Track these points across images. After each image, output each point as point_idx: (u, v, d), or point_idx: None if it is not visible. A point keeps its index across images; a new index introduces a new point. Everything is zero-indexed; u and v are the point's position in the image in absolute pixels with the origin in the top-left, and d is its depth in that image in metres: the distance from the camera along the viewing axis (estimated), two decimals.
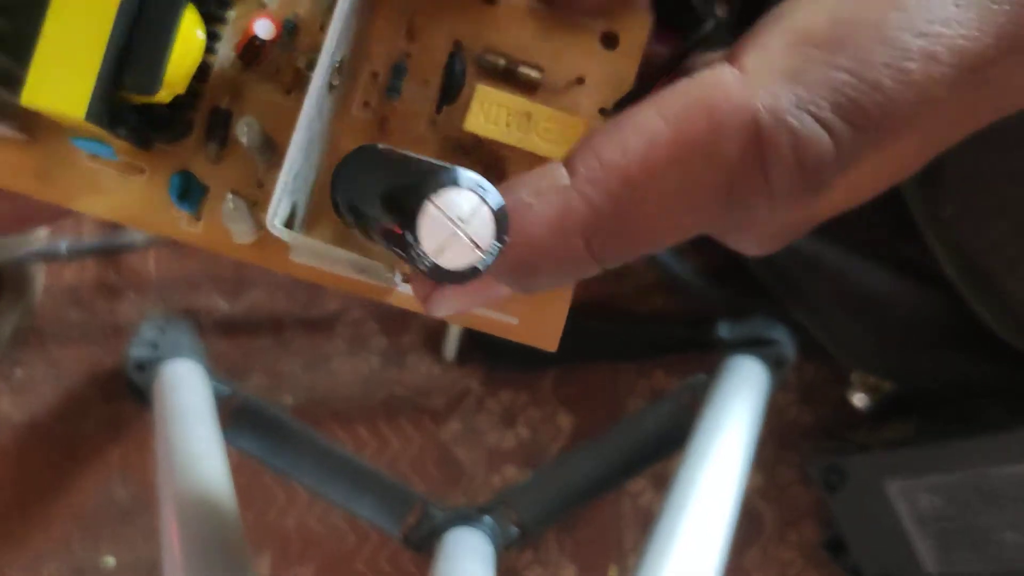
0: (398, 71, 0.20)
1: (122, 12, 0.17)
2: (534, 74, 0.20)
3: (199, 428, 0.46)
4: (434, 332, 0.61)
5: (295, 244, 0.18)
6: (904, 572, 0.55)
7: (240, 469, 0.46)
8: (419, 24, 0.20)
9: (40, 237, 0.59)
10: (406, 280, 0.20)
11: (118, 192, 0.20)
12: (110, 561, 0.58)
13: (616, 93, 0.20)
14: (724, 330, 0.57)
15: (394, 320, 0.62)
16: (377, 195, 0.16)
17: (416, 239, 0.15)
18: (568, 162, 0.16)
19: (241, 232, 0.20)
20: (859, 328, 0.54)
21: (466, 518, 0.47)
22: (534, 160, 0.20)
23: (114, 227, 0.61)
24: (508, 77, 0.20)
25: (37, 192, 0.20)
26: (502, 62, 0.20)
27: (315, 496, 0.59)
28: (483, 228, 0.15)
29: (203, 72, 0.19)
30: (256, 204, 0.20)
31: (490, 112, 0.19)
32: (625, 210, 0.16)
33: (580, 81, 0.20)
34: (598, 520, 0.61)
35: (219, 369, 0.55)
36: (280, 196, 0.17)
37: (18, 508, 0.58)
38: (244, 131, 0.19)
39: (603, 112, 0.20)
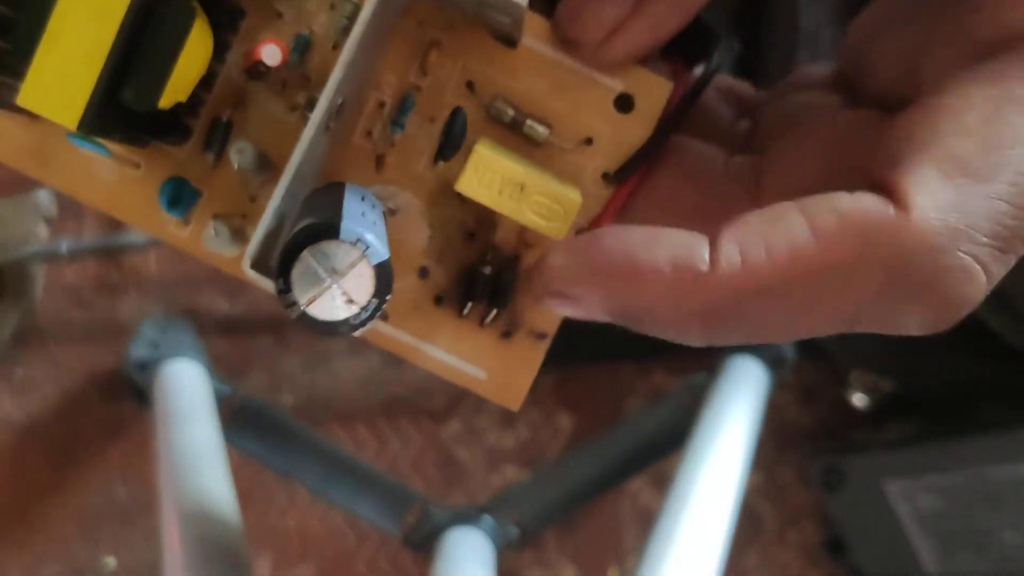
0: (405, 105, 0.19)
1: (127, 23, 0.16)
2: (541, 130, 0.19)
3: (199, 428, 0.46)
4: None
5: (264, 284, 0.18)
6: (904, 572, 0.55)
7: (240, 469, 0.46)
8: (433, 59, 0.19)
9: (41, 237, 0.59)
10: (382, 319, 0.20)
11: (112, 184, 0.20)
12: (110, 561, 0.58)
13: (624, 157, 0.20)
14: None
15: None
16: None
17: (288, 286, 0.15)
18: (713, 244, 0.16)
19: (223, 250, 0.20)
20: None
21: (466, 518, 0.47)
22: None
23: (115, 227, 0.61)
24: (514, 128, 0.20)
25: (34, 172, 0.20)
26: (511, 113, 0.19)
27: (315, 496, 0.59)
28: (361, 283, 0.15)
29: (208, 80, 0.19)
30: (246, 218, 0.20)
31: (484, 176, 0.19)
32: (748, 309, 0.16)
33: (589, 142, 0.20)
34: (598, 520, 0.61)
35: (219, 369, 0.55)
36: (259, 240, 0.17)
37: (18, 508, 0.58)
38: (236, 157, 0.19)
39: (606, 177, 0.20)
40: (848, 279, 0.15)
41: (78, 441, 0.59)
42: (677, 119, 0.19)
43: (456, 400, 0.62)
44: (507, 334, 0.21)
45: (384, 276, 0.15)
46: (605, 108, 0.20)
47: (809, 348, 0.58)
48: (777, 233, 0.15)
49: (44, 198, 0.59)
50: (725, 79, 0.21)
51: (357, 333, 0.16)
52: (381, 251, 0.15)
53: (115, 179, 0.20)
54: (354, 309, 0.15)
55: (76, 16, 0.16)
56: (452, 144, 0.19)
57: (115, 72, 0.16)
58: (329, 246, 0.15)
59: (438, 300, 0.20)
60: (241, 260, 0.19)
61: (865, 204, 0.15)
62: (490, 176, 0.19)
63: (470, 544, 0.46)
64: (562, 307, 0.17)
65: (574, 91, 0.20)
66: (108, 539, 0.59)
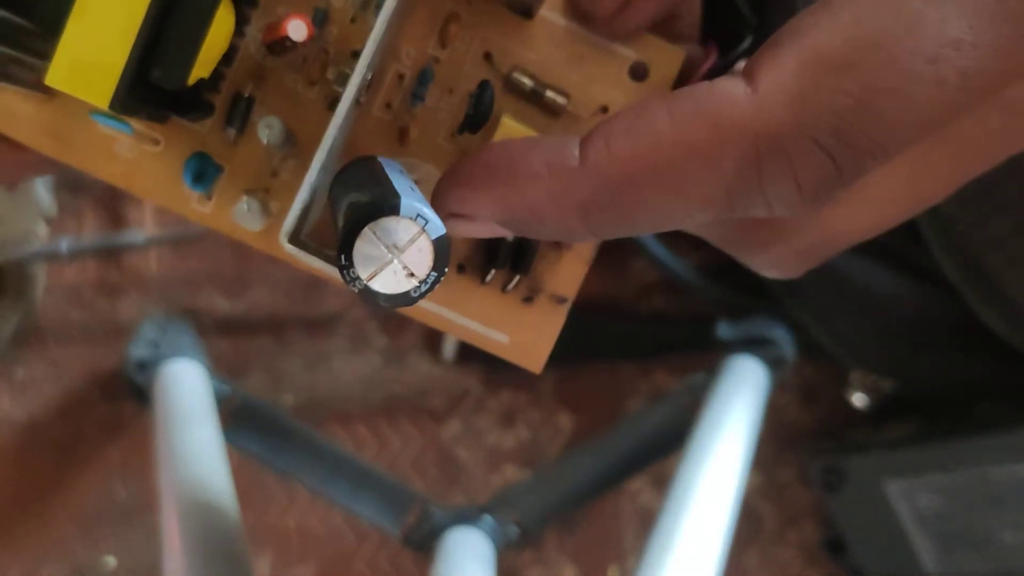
0: (425, 77, 0.20)
1: (156, 2, 0.16)
2: (560, 100, 0.20)
3: (199, 428, 0.46)
4: (434, 332, 0.62)
5: (301, 258, 0.18)
6: (904, 572, 0.55)
7: (240, 469, 0.46)
8: (452, 32, 0.20)
9: (41, 237, 0.59)
10: None
11: (132, 161, 0.20)
12: (110, 561, 0.58)
13: None
14: (724, 330, 0.57)
15: (394, 320, 0.62)
16: (339, 212, 0.17)
17: (350, 262, 0.15)
18: (583, 142, 0.17)
19: (251, 225, 0.20)
20: (859, 327, 0.54)
21: (466, 518, 0.47)
22: None
23: (115, 227, 0.61)
24: (533, 99, 0.20)
25: (51, 151, 0.20)
26: (530, 83, 0.20)
27: (315, 496, 0.59)
28: (420, 257, 0.15)
29: (229, 56, 0.19)
30: (269, 192, 0.20)
31: None
32: (622, 199, 0.16)
33: (604, 110, 0.20)
34: (598, 520, 0.61)
35: (219, 369, 0.55)
36: (295, 215, 0.17)
37: (18, 508, 0.58)
38: (265, 132, 0.19)
39: None
40: (707, 162, 0.16)
41: (78, 441, 0.59)
42: None
43: (456, 400, 0.62)
44: (528, 299, 0.21)
45: (442, 249, 0.16)
46: (620, 77, 0.20)
47: (809, 348, 0.58)
48: (641, 123, 0.16)
49: (44, 198, 0.59)
50: None
51: (415, 304, 0.16)
52: (439, 225, 0.15)
53: (135, 156, 0.20)
54: (414, 282, 0.16)
55: None
56: (481, 116, 0.20)
57: (144, 51, 0.16)
58: (390, 222, 0.15)
59: (460, 268, 0.21)
60: (267, 235, 0.20)
61: (720, 89, 0.16)
62: None
63: (470, 544, 0.46)
64: (462, 227, 0.18)
65: (589, 61, 0.20)
66: (108, 539, 0.59)
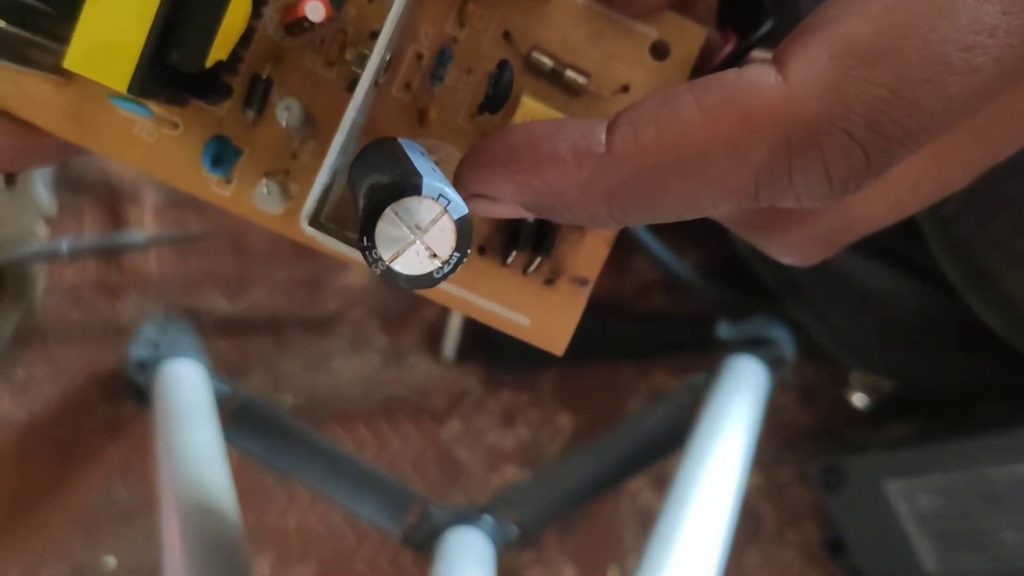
0: (443, 57, 0.20)
1: None
2: (580, 79, 0.20)
3: (199, 428, 0.46)
4: (434, 332, 0.62)
5: (322, 241, 0.18)
6: (904, 572, 0.55)
7: (241, 469, 0.46)
8: (471, 11, 0.19)
9: (41, 237, 0.59)
10: None
11: (150, 144, 0.20)
12: (110, 561, 0.58)
13: None
14: (724, 330, 0.57)
15: (394, 320, 0.62)
16: (360, 193, 0.16)
17: (372, 243, 0.15)
18: (609, 127, 0.16)
19: (271, 208, 0.19)
20: (859, 327, 0.54)
21: (466, 517, 0.47)
22: None
23: (115, 227, 0.61)
24: (553, 79, 0.20)
25: (69, 134, 0.19)
26: (549, 63, 0.20)
27: (315, 496, 0.59)
28: (443, 238, 0.15)
29: (246, 37, 0.19)
30: (288, 175, 0.19)
31: None
32: (649, 187, 0.16)
33: (625, 90, 0.20)
34: (598, 520, 0.61)
35: (219, 369, 0.55)
36: (315, 197, 0.17)
37: (18, 508, 0.58)
38: (284, 114, 0.19)
39: None
40: (736, 152, 0.16)
41: (78, 441, 0.59)
42: (721, 69, 0.20)
43: (456, 400, 0.62)
44: (550, 281, 0.21)
45: (465, 230, 0.15)
46: (641, 55, 0.20)
47: (809, 348, 0.58)
48: (668, 112, 0.16)
49: (44, 198, 0.59)
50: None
51: (437, 286, 0.16)
52: (461, 205, 0.15)
53: (154, 140, 0.20)
54: (436, 263, 0.16)
55: None
56: (501, 96, 0.19)
57: (162, 33, 0.16)
58: (412, 202, 0.15)
59: (481, 250, 0.21)
60: (286, 218, 0.20)
61: (749, 78, 0.16)
62: None
63: (470, 544, 0.46)
64: (485, 207, 0.18)
65: (609, 39, 0.20)
66: (108, 539, 0.59)
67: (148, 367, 0.53)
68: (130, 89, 0.16)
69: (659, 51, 0.20)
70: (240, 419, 0.52)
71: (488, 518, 0.48)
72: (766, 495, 0.62)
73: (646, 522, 0.52)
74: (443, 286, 0.20)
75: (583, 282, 0.21)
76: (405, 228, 0.15)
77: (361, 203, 0.16)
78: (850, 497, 0.56)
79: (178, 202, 0.61)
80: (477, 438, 0.61)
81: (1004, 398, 0.51)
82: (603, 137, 0.16)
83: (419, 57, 0.20)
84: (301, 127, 0.19)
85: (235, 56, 0.19)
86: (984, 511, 0.51)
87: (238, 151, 0.19)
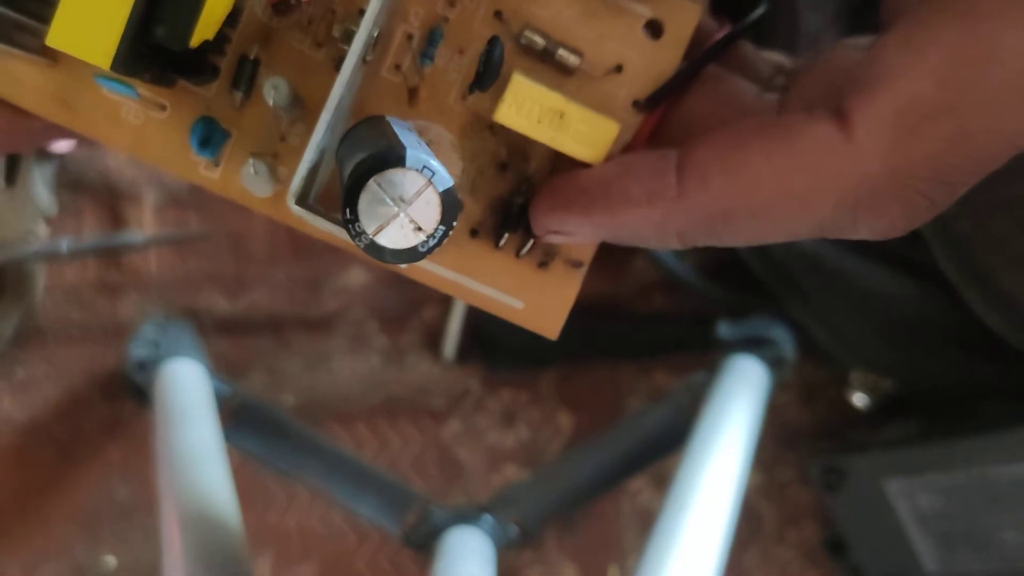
0: (434, 37, 0.19)
1: None
2: (573, 59, 0.19)
3: (199, 428, 0.46)
4: (434, 332, 0.61)
5: (309, 220, 0.18)
6: (904, 572, 0.55)
7: (241, 469, 0.46)
8: None
9: (41, 237, 0.59)
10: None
11: (137, 126, 0.19)
12: (110, 561, 0.58)
13: (654, 84, 0.20)
14: (724, 330, 0.56)
15: (394, 320, 0.62)
16: (346, 169, 0.16)
17: (356, 216, 0.15)
18: (680, 171, 0.17)
19: (259, 189, 0.19)
20: (859, 327, 0.54)
21: (466, 517, 0.47)
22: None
23: (115, 227, 0.61)
24: (545, 58, 0.19)
25: (56, 116, 0.19)
26: (541, 42, 0.19)
27: (315, 496, 0.59)
28: (428, 210, 0.15)
29: (233, 17, 0.18)
30: (277, 157, 0.19)
31: (523, 105, 0.19)
32: (719, 227, 0.17)
33: (619, 69, 0.20)
34: (598, 520, 0.61)
35: (219, 369, 0.55)
36: (302, 175, 0.17)
37: (18, 508, 0.58)
38: (272, 93, 0.18)
39: (636, 104, 0.20)
40: (804, 205, 0.17)
41: (78, 441, 0.59)
42: (715, 51, 0.20)
43: (456, 400, 0.62)
44: (543, 264, 0.21)
45: (450, 202, 0.15)
46: (634, 34, 0.20)
47: (809, 348, 0.58)
48: (737, 161, 0.17)
49: (44, 198, 0.59)
50: (766, 52, 0.22)
51: (422, 260, 0.16)
52: (446, 177, 0.15)
53: (140, 122, 0.19)
54: (421, 236, 0.15)
55: None
56: (490, 74, 0.19)
57: (146, 9, 0.16)
58: (396, 174, 0.15)
59: (473, 233, 0.20)
60: (275, 201, 0.19)
61: (815, 134, 0.16)
62: (529, 105, 0.19)
63: (470, 543, 0.46)
64: (563, 240, 0.19)
65: (603, 18, 0.20)
66: (108, 538, 0.59)
67: (148, 367, 0.53)
68: (113, 66, 0.16)
69: (653, 30, 0.20)
70: (240, 419, 0.52)
71: (488, 518, 0.48)
72: (766, 495, 0.62)
73: (646, 522, 0.52)
74: (436, 270, 0.20)
75: (577, 264, 0.21)
76: (389, 200, 0.15)
77: (346, 178, 0.16)
78: (850, 497, 0.56)
79: (178, 202, 0.61)
80: (477, 438, 0.61)
81: (1004, 398, 0.51)
82: (673, 180, 0.17)
83: (409, 37, 0.19)
84: (289, 107, 0.19)
85: (222, 36, 0.18)
86: (984, 511, 0.51)
87: (226, 133, 0.19)
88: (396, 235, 0.15)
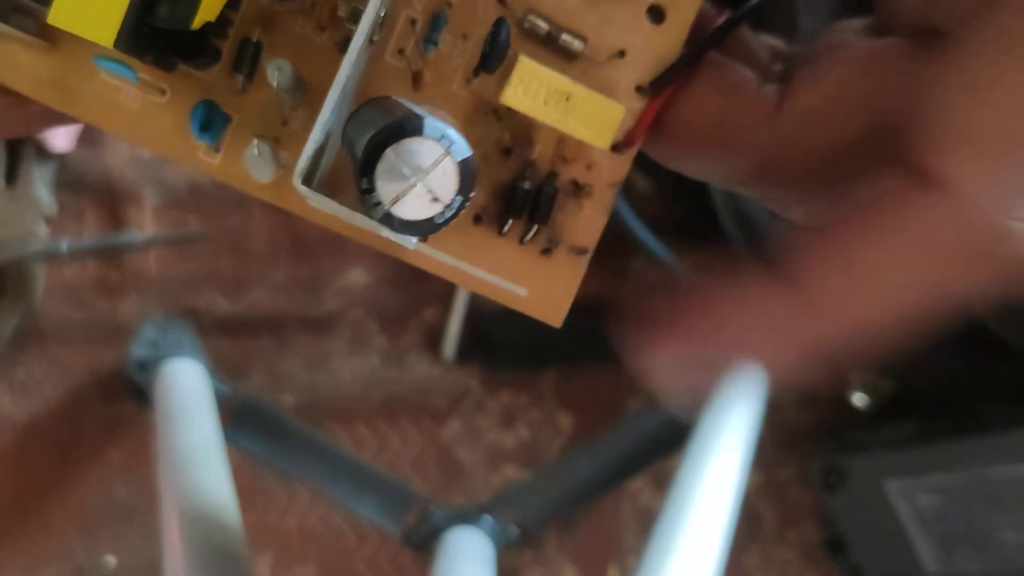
0: (437, 22, 0.19)
1: None
2: (576, 44, 0.19)
3: (200, 427, 0.46)
4: (434, 332, 0.62)
5: (315, 200, 0.18)
6: (904, 572, 0.55)
7: (241, 469, 0.45)
8: None
9: (41, 237, 0.59)
10: (423, 239, 0.20)
11: (137, 111, 0.19)
12: (110, 561, 0.58)
13: (656, 70, 0.20)
14: None
15: (394, 320, 0.62)
16: (359, 143, 0.16)
17: (372, 186, 0.15)
18: (789, 289, 0.17)
19: (260, 173, 0.19)
20: None
21: (466, 517, 0.47)
22: (562, 133, 0.19)
23: (115, 227, 0.61)
24: (548, 43, 0.19)
25: (53, 101, 0.19)
26: (545, 27, 0.19)
27: (315, 496, 0.59)
28: (445, 180, 0.15)
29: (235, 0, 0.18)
30: (279, 142, 0.19)
31: (529, 87, 0.19)
32: (856, 338, 0.17)
33: (621, 55, 0.20)
34: (598, 520, 0.61)
35: (219, 369, 0.55)
36: (308, 155, 0.17)
37: (18, 508, 0.58)
38: (275, 74, 0.18)
39: (640, 90, 0.20)
40: (930, 275, 0.16)
41: (78, 441, 0.59)
42: (717, 37, 0.20)
43: (456, 400, 0.62)
44: (547, 250, 0.20)
45: (468, 172, 0.15)
46: (637, 19, 0.20)
47: None
48: (849, 259, 0.16)
49: (44, 198, 0.59)
50: (764, 37, 0.22)
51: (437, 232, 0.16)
52: (464, 147, 0.15)
53: (140, 107, 0.19)
54: (438, 207, 0.15)
55: None
56: (497, 55, 0.19)
57: None
58: (413, 143, 0.15)
59: (477, 219, 0.20)
60: (276, 186, 0.19)
61: (920, 205, 0.16)
62: (536, 87, 0.19)
63: (470, 544, 0.46)
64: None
65: (606, 3, 0.19)
66: (108, 539, 0.59)
67: (148, 367, 0.53)
68: (116, 44, 0.16)
69: (655, 15, 0.20)
70: (240, 419, 0.52)
71: (488, 518, 0.48)
72: (766, 495, 0.62)
73: (646, 522, 0.52)
74: (438, 256, 0.20)
75: (582, 251, 0.21)
76: (406, 170, 0.15)
77: (359, 151, 0.16)
78: (850, 497, 0.56)
79: (178, 202, 0.61)
80: (477, 438, 0.61)
81: (1004, 398, 0.51)
82: (792, 308, 0.17)
83: (412, 22, 0.19)
84: (292, 90, 0.19)
85: (223, 19, 0.18)
86: (984, 511, 0.51)
87: (227, 118, 0.19)
88: (413, 205, 0.15)
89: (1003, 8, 0.15)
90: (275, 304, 0.61)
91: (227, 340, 0.60)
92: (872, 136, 0.18)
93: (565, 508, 0.57)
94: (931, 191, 0.16)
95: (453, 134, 0.15)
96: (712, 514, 0.43)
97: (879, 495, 0.54)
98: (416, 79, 0.19)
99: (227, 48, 0.19)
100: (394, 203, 0.15)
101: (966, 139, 0.15)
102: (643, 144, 0.20)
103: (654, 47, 0.20)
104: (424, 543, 0.47)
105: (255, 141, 0.19)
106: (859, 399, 0.59)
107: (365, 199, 0.15)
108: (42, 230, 0.59)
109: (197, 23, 0.17)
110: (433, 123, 0.15)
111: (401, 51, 0.19)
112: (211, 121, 0.19)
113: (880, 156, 0.17)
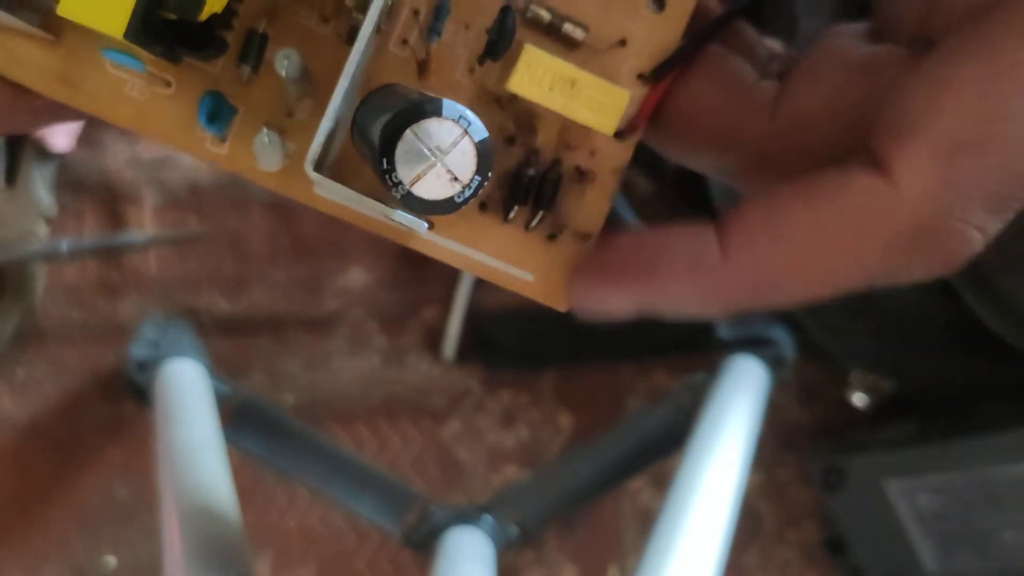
0: (440, 11, 0.19)
1: None
2: (578, 33, 0.20)
3: (200, 427, 0.46)
4: (434, 332, 0.62)
5: (325, 187, 0.18)
6: (904, 572, 0.55)
7: (241, 469, 0.46)
8: None
9: (41, 237, 0.59)
10: (430, 227, 0.20)
11: (143, 103, 0.19)
12: (110, 561, 0.58)
13: (656, 58, 0.20)
14: (724, 330, 0.57)
15: (394, 320, 0.62)
16: (374, 127, 0.16)
17: (392, 166, 0.15)
18: (722, 239, 0.17)
19: (268, 161, 0.19)
20: (859, 327, 0.54)
21: (466, 517, 0.47)
22: (566, 120, 0.19)
23: (115, 227, 0.61)
24: (551, 32, 0.20)
25: (59, 94, 0.19)
26: (547, 16, 0.19)
27: (315, 496, 0.59)
28: (464, 161, 0.15)
29: None
30: (284, 133, 0.19)
31: (535, 74, 0.19)
32: (766, 292, 0.17)
33: (622, 43, 0.20)
34: (598, 520, 0.61)
35: (219, 369, 0.55)
36: (320, 141, 0.17)
37: (18, 508, 0.58)
38: (284, 64, 0.18)
39: (641, 77, 0.20)
40: (854, 260, 0.16)
41: (78, 441, 0.59)
42: (719, 25, 0.20)
43: (456, 400, 0.62)
44: (552, 236, 0.21)
45: (485, 153, 0.15)
46: (638, 7, 0.20)
47: (809, 348, 0.58)
48: (780, 224, 0.17)
49: (44, 197, 0.59)
50: (763, 39, 0.22)
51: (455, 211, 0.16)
52: (481, 128, 0.15)
53: (146, 99, 0.19)
54: (457, 187, 0.16)
55: None
56: (504, 41, 0.19)
57: None
58: (432, 123, 0.15)
59: (483, 206, 0.20)
60: (284, 176, 0.19)
61: (857, 185, 0.16)
62: (541, 73, 0.19)
63: (470, 544, 0.46)
64: (596, 314, 0.19)
65: None
66: (108, 539, 0.59)
67: (148, 367, 0.53)
68: (127, 35, 0.16)
69: (657, 3, 0.20)
70: (240, 419, 0.52)
71: (488, 518, 0.48)
72: (766, 495, 0.62)
73: (646, 522, 0.52)
74: (445, 243, 0.20)
75: (586, 237, 0.21)
76: (426, 150, 0.15)
77: (376, 137, 0.16)
78: (850, 497, 0.56)
79: (178, 202, 0.61)
80: (477, 438, 0.61)
81: (1004, 398, 0.51)
82: (716, 248, 0.17)
83: (416, 13, 0.19)
84: (298, 81, 0.19)
85: (229, 11, 0.18)
86: (984, 511, 0.51)
87: (233, 109, 0.19)
88: (433, 185, 0.15)
89: (989, 22, 0.16)
90: (275, 304, 0.61)
91: (227, 340, 0.60)
92: (860, 137, 0.18)
93: (565, 508, 0.57)
94: (874, 176, 0.16)
95: (470, 115, 0.15)
96: (712, 514, 0.43)
97: (879, 495, 0.54)
98: (421, 68, 0.19)
99: (233, 39, 0.19)
100: (414, 183, 0.15)
101: (918, 134, 0.16)
102: (643, 133, 0.20)
103: (655, 35, 0.20)
104: (424, 543, 0.47)
105: (264, 129, 0.19)
106: (859, 399, 0.59)
107: (386, 179, 0.15)
108: (42, 230, 0.59)
109: (204, 15, 0.17)
110: (451, 104, 0.15)
111: (405, 41, 0.19)
112: (218, 112, 0.19)
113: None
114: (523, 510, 0.50)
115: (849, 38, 0.20)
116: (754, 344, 0.55)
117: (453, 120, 0.15)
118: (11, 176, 0.58)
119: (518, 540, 0.50)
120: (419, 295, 0.62)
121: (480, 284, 0.61)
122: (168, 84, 0.19)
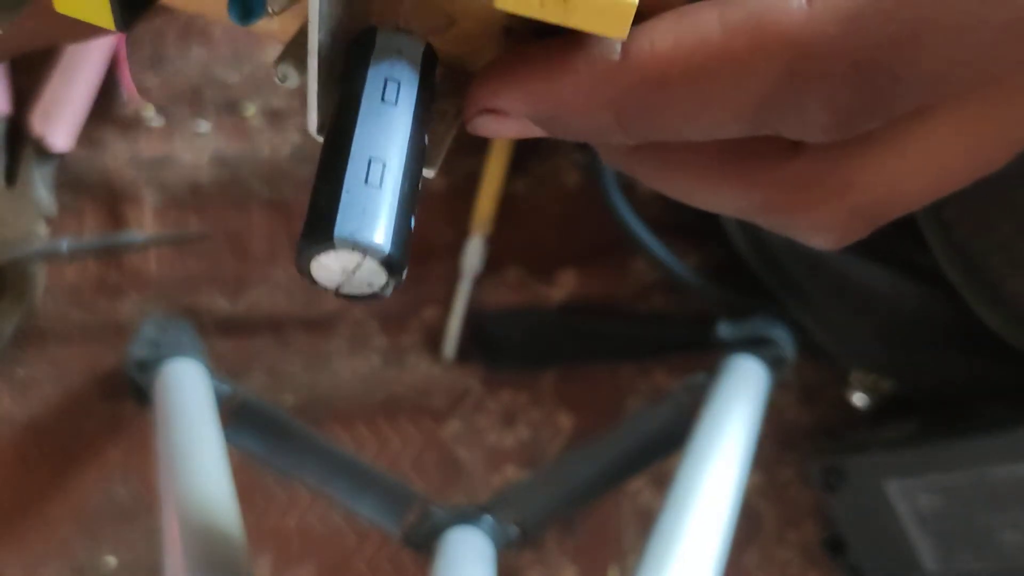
0: None
1: None
2: None
3: (200, 427, 0.46)
4: (434, 332, 0.62)
5: None
6: (904, 572, 0.55)
7: (241, 469, 0.46)
8: None
9: (41, 236, 0.59)
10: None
11: None
12: (110, 561, 0.58)
13: None
14: (724, 330, 0.57)
15: (394, 320, 0.62)
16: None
17: (313, 281, 0.16)
18: (628, 38, 0.16)
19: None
20: (859, 327, 0.54)
21: (466, 517, 0.47)
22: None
23: (115, 226, 0.61)
24: None
25: None
26: None
27: (315, 496, 0.59)
28: (372, 275, 0.16)
29: None
30: None
31: None
32: (654, 98, 0.16)
33: None
34: (598, 520, 0.61)
35: (219, 368, 0.55)
36: (314, 104, 0.17)
37: (18, 508, 0.58)
38: None
39: None
40: (746, 69, 0.16)
41: (78, 441, 0.59)
42: None
43: (456, 400, 0.62)
44: None
45: (394, 263, 0.15)
46: None
47: (809, 348, 0.58)
48: (688, 24, 0.16)
49: (44, 197, 0.59)
50: None
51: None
52: (381, 247, 0.15)
53: None
54: (375, 288, 0.16)
55: None
56: None
57: None
58: (328, 257, 0.15)
59: None
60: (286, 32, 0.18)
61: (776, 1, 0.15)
62: None
63: (470, 544, 0.46)
64: (493, 125, 0.18)
65: None
66: (108, 539, 0.59)
67: (148, 367, 0.53)
68: (118, 27, 0.16)
69: None
70: (240, 419, 0.52)
71: (488, 518, 0.48)
72: (766, 495, 0.62)
73: (646, 522, 0.52)
74: None
75: None
76: (336, 270, 0.15)
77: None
78: (850, 497, 0.56)
79: (178, 202, 0.61)
80: (477, 438, 0.61)
81: (1004, 398, 0.51)
82: (618, 46, 0.16)
83: None
84: None
85: None
86: (984, 511, 0.51)
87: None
88: (355, 289, 0.16)
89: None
90: (275, 304, 0.61)
91: (227, 340, 0.60)
92: None
93: (565, 508, 0.57)
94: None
95: (365, 236, 0.15)
96: (712, 514, 0.43)
97: (879, 495, 0.54)
98: None
99: None
100: (338, 290, 0.16)
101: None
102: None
103: None
104: (424, 543, 0.47)
105: None
106: (859, 399, 0.59)
107: (314, 286, 0.16)
108: (42, 230, 0.59)
109: None
110: (343, 234, 0.15)
111: None
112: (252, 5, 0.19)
113: None
114: (523, 510, 0.50)
115: None
116: (754, 344, 0.55)
117: (348, 250, 0.15)
118: (11, 176, 0.58)
119: (518, 540, 0.50)
120: (419, 295, 0.62)
121: (480, 284, 0.61)
122: None
